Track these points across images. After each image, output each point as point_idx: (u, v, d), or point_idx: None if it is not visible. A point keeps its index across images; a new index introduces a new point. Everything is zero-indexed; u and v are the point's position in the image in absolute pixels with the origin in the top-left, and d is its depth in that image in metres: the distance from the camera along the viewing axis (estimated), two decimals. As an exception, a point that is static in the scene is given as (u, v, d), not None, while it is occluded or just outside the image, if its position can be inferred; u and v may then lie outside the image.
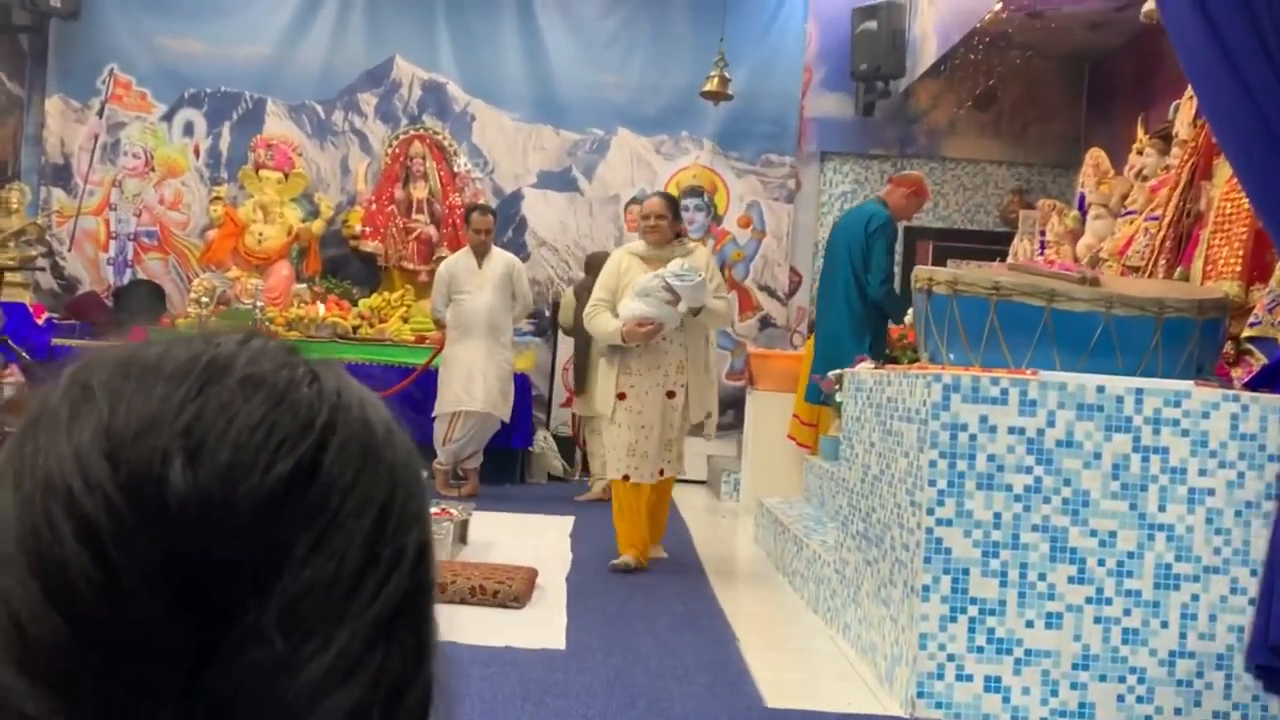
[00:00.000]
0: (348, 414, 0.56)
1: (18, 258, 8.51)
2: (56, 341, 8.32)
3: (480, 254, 7.43)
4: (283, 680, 0.51)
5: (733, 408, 9.23)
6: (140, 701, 0.50)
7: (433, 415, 7.43)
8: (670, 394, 5.35)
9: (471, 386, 7.27)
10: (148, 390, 0.53)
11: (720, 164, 9.57)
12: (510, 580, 4.51)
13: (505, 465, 8.10)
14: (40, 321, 8.31)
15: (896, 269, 8.17)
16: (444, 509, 5.46)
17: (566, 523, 6.57)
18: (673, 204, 5.58)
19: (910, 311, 5.22)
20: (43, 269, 9.07)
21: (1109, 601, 3.37)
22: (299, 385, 0.55)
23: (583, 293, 7.78)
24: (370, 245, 9.09)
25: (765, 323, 9.53)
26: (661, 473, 5.41)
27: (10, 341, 7.41)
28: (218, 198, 9.14)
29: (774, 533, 5.84)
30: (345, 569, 0.53)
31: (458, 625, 3.72)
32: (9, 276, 7.86)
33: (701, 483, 9.05)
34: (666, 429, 5.36)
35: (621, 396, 5.33)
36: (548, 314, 9.35)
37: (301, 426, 0.54)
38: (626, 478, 5.35)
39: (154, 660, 0.50)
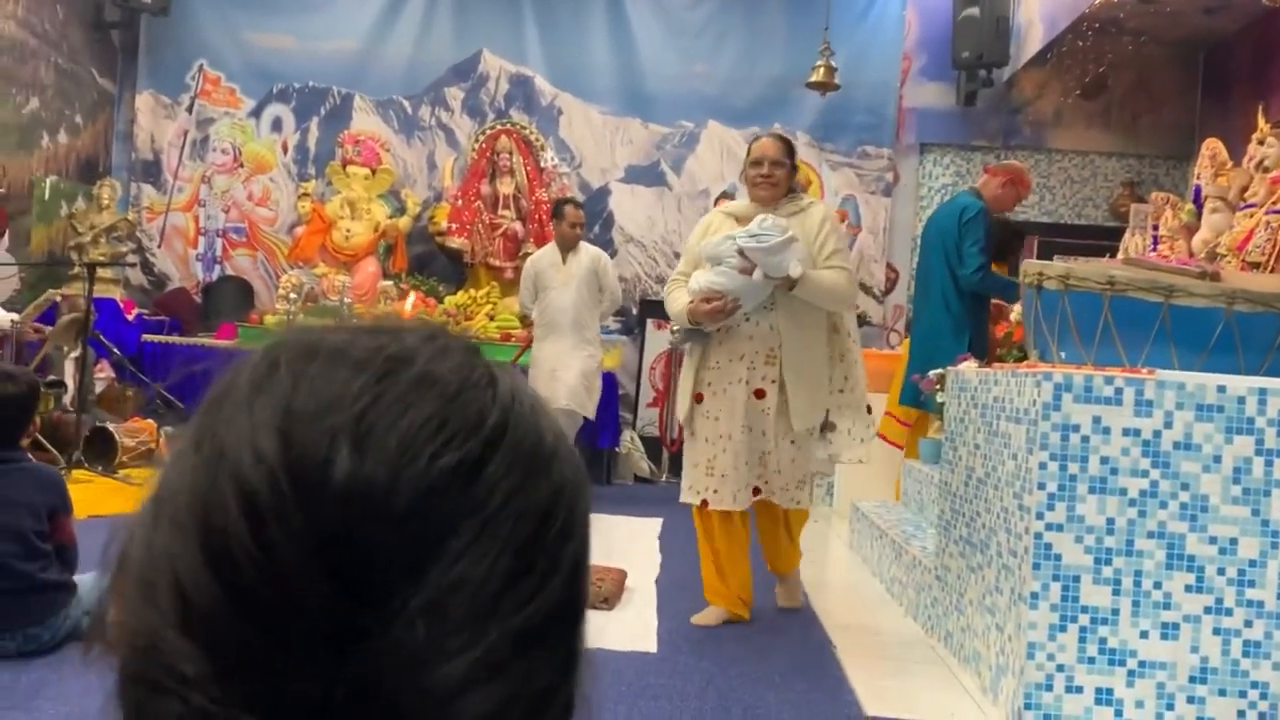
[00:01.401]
0: (520, 420, 0.58)
1: (109, 253, 8.78)
2: (146, 338, 8.57)
3: (566, 249, 7.47)
4: (426, 670, 0.52)
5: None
6: (287, 674, 0.52)
7: None
8: (759, 393, 4.29)
9: (554, 384, 7.31)
10: (329, 374, 0.55)
11: (815, 157, 9.52)
12: (600, 581, 4.55)
13: (591, 466, 8.15)
14: (130, 318, 8.57)
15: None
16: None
17: (655, 525, 6.59)
18: (790, 149, 4.54)
19: (1018, 306, 5.14)
20: (133, 265, 9.34)
21: (1229, 612, 3.29)
22: (474, 386, 0.57)
23: None
24: (456, 241, 9.21)
25: (861, 321, 9.42)
26: (757, 492, 4.39)
27: (102, 337, 7.65)
28: (305, 194, 9.34)
29: (870, 538, 5.80)
30: (499, 569, 0.54)
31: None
32: (100, 272, 8.10)
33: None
34: (757, 439, 4.33)
35: (699, 399, 4.39)
36: (635, 311, 9.40)
37: (472, 425, 0.55)
38: (705, 503, 4.39)
39: (304, 636, 0.51)
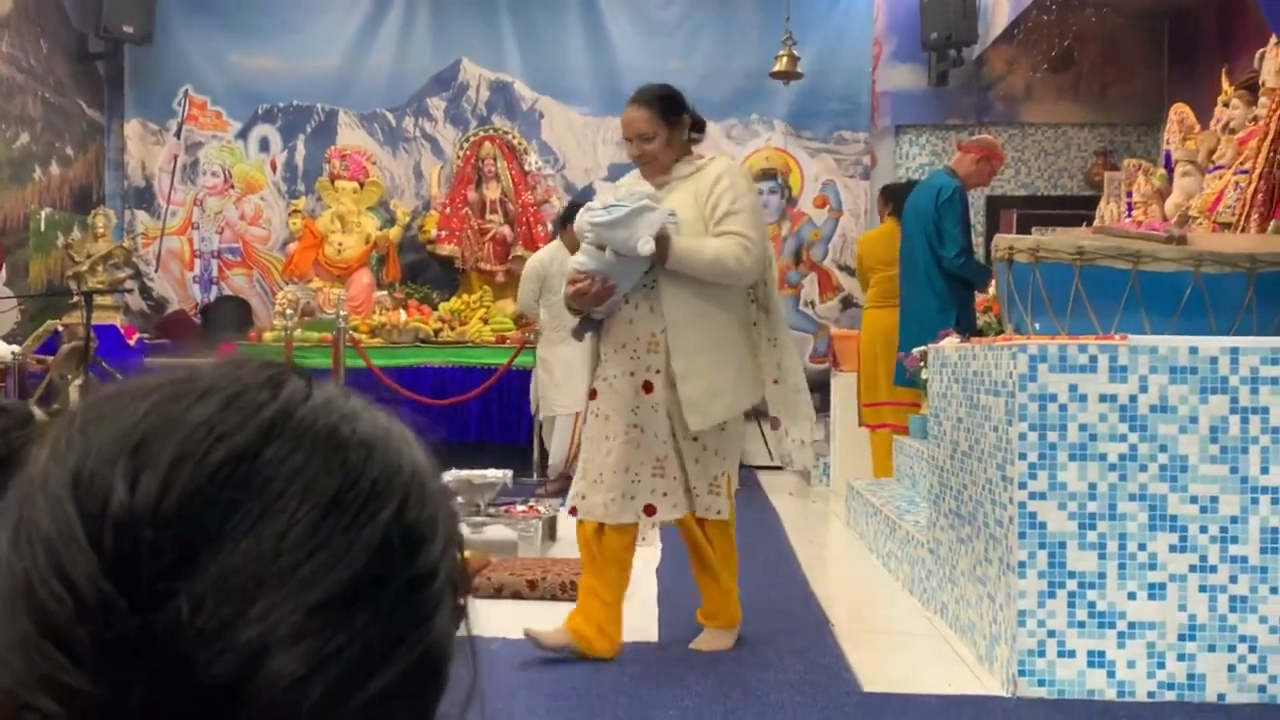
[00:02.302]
0: (305, 411, 0.58)
1: (107, 281, 8.76)
2: (149, 361, 8.55)
3: (575, 252, 7.42)
4: (221, 640, 0.52)
5: (818, 391, 9.17)
6: (100, 696, 0.52)
7: (537, 417, 7.49)
8: (647, 387, 3.56)
9: (567, 387, 7.27)
10: (116, 414, 0.57)
11: (793, 145, 9.51)
12: (600, 574, 4.52)
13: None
14: (132, 342, 8.56)
15: (979, 239, 8.08)
16: (532, 507, 5.51)
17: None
18: (664, 106, 3.64)
19: (993, 281, 5.14)
20: (131, 291, 9.32)
21: (1214, 569, 3.29)
22: (252, 390, 0.58)
23: None
24: (447, 248, 9.20)
25: (847, 303, 9.44)
26: (651, 511, 3.60)
27: (105, 364, 7.63)
28: (296, 211, 9.33)
29: (865, 515, 5.80)
30: (286, 546, 0.54)
31: (549, 621, 3.75)
32: (99, 299, 8.08)
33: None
34: (650, 442, 3.58)
35: (593, 395, 3.68)
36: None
37: (242, 420, 0.56)
38: (573, 510, 3.69)
39: (111, 660, 0.52)
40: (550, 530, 5.68)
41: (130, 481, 0.54)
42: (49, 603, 0.53)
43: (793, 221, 9.53)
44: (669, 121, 3.63)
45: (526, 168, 9.37)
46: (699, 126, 3.75)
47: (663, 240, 3.47)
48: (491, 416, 8.26)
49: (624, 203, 3.49)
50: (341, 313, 8.30)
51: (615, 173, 9.54)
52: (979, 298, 6.31)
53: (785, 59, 8.57)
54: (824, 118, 9.46)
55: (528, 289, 7.45)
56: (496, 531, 5.32)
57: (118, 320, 8.70)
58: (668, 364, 3.55)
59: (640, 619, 4.15)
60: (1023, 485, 3.34)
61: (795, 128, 9.48)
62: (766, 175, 9.50)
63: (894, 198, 7.17)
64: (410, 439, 0.62)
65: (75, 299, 8.40)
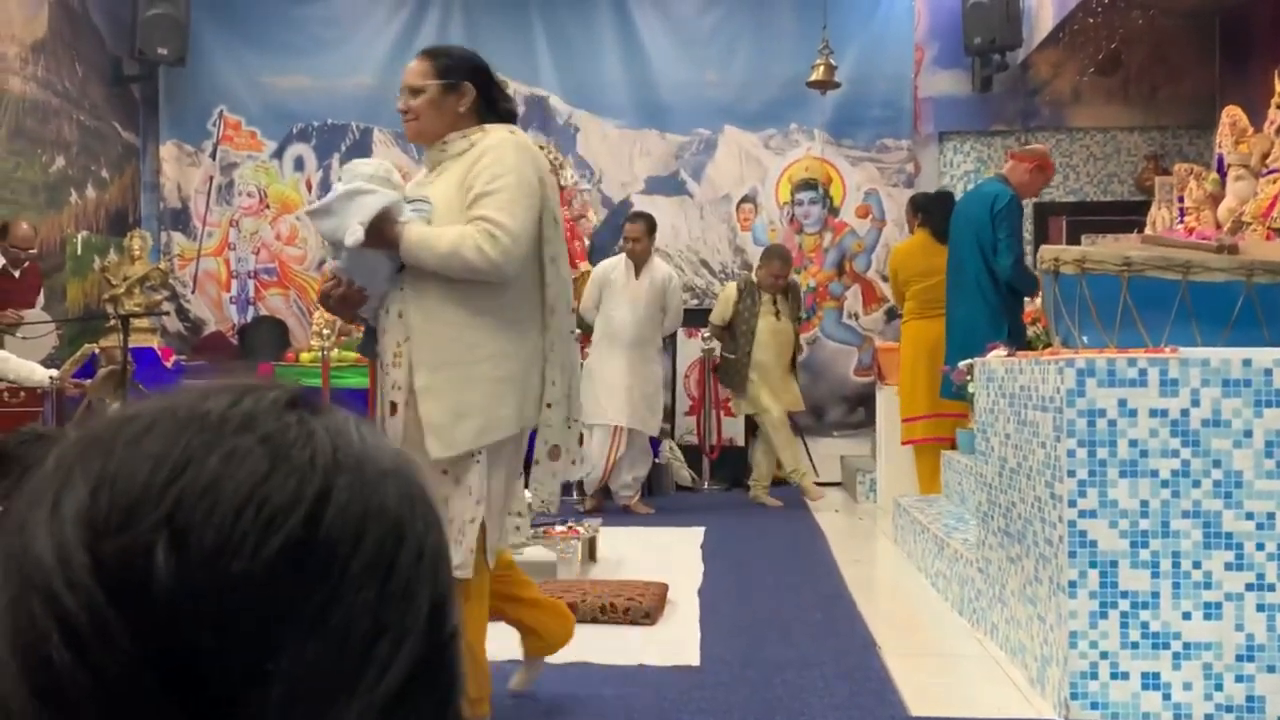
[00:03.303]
0: (345, 475, 0.54)
1: (144, 303, 8.89)
2: (187, 383, 8.66)
3: (639, 263, 7.52)
4: None
5: (863, 405, 9.16)
6: None
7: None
8: (393, 408, 3.04)
9: (609, 399, 7.30)
10: (129, 470, 0.52)
11: (833, 154, 9.49)
12: (641, 597, 4.54)
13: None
14: (169, 364, 8.68)
15: (1028, 247, 8.02)
16: (572, 527, 5.53)
17: (697, 534, 6.58)
18: (448, 63, 3.15)
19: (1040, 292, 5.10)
20: (168, 313, 9.45)
21: (1272, 588, 3.24)
22: (289, 450, 0.53)
23: (746, 286, 7.89)
24: (484, 265, 9.26)
25: (892, 314, 9.39)
26: None
27: (142, 387, 7.75)
28: (331, 230, 9.41)
29: (913, 533, 5.77)
30: (351, 642, 0.51)
31: (588, 644, 3.76)
32: (136, 322, 8.21)
33: (837, 484, 8.99)
34: None
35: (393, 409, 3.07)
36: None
37: (292, 498, 0.52)
38: None
39: None
40: (590, 551, 5.70)
41: (173, 565, 0.49)
42: (65, 683, 0.49)
43: (835, 232, 9.51)
44: (445, 83, 3.10)
45: (563, 182, 9.40)
46: (500, 113, 3.20)
47: (390, 229, 2.98)
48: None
49: (348, 176, 3.03)
50: (378, 332, 8.37)
51: (653, 185, 9.58)
52: (1027, 309, 6.26)
53: (822, 68, 8.57)
54: (865, 125, 9.44)
55: (589, 295, 7.54)
56: (535, 553, 5.35)
57: (155, 342, 8.82)
58: (410, 380, 3.01)
59: (681, 642, 4.16)
60: (1072, 503, 3.31)
61: (836, 136, 9.47)
62: (808, 185, 9.49)
63: (922, 208, 7.23)
64: (416, 471, 0.58)
65: (112, 322, 8.53)
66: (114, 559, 0.50)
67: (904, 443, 7.01)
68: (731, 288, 8.07)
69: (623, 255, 7.64)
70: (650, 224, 7.76)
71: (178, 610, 0.49)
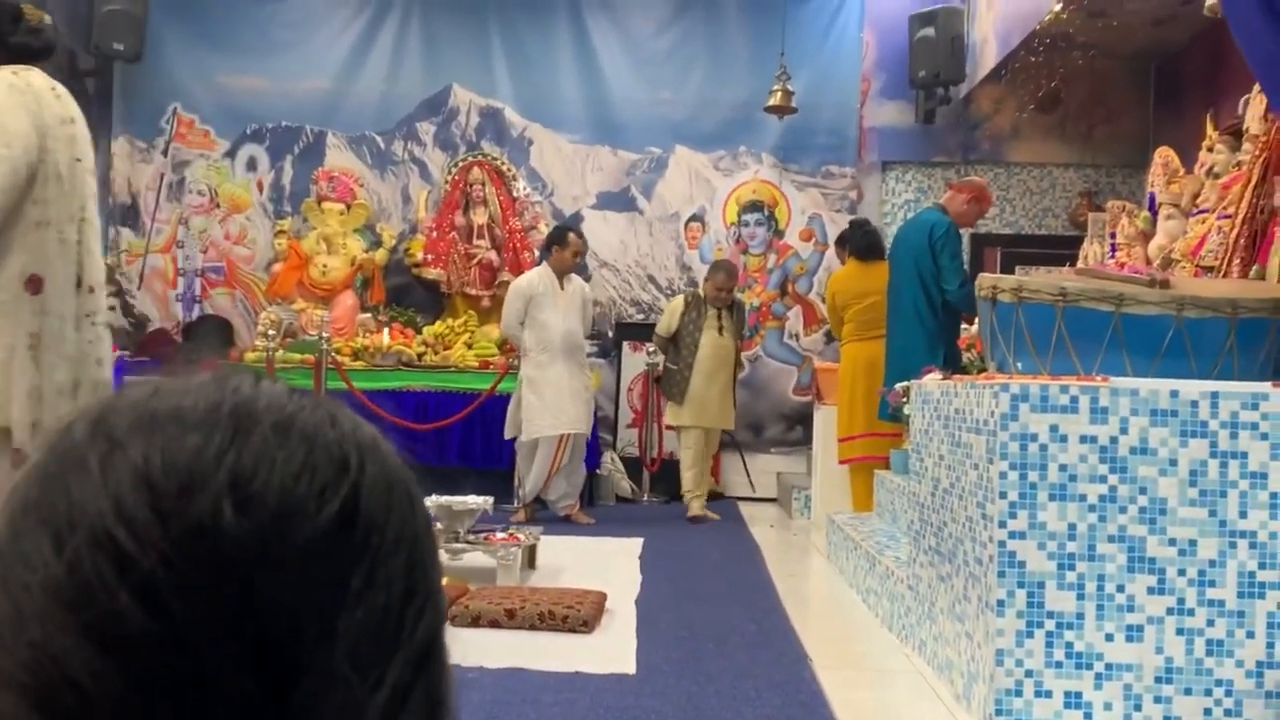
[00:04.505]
0: (371, 452, 0.57)
1: (89, 297, 8.73)
2: (129, 379, 8.51)
3: (563, 275, 7.54)
4: (356, 718, 0.52)
5: (801, 423, 9.22)
6: None
7: (514, 440, 7.49)
8: None
9: (559, 410, 7.33)
10: (179, 443, 0.53)
11: (780, 178, 9.57)
12: (579, 605, 4.53)
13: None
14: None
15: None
16: (512, 534, 5.50)
17: (635, 545, 6.58)
18: None
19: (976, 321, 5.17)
20: (113, 308, 9.29)
21: (1191, 612, 3.30)
22: (324, 427, 0.57)
23: (693, 300, 7.91)
24: (433, 273, 9.21)
25: (831, 336, 9.47)
26: None
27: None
28: (281, 231, 9.32)
29: (846, 549, 5.80)
30: (393, 601, 0.54)
31: (526, 651, 3.74)
32: (81, 316, 8.06)
33: (772, 500, 9.03)
34: None
35: None
36: (611, 334, 9.42)
37: (338, 469, 0.55)
38: None
39: (225, 708, 0.50)
40: (530, 558, 5.67)
41: (241, 519, 0.51)
42: (138, 637, 0.50)
43: (779, 254, 9.58)
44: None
45: (515, 194, 9.40)
46: (11, 49, 2.88)
47: None
48: (474, 441, 8.25)
49: None
50: (324, 334, 8.30)
51: (604, 201, 9.59)
52: (962, 335, 6.35)
53: (780, 93, 8.63)
54: (812, 151, 9.53)
55: (512, 309, 7.51)
56: (475, 558, 5.31)
57: (99, 337, 8.67)
58: None
59: (618, 652, 4.15)
60: (1002, 524, 3.35)
61: (783, 160, 9.55)
62: (754, 207, 9.56)
63: (847, 241, 7.57)
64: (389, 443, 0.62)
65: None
66: (180, 520, 0.51)
67: (841, 461, 7.07)
68: (679, 300, 8.10)
69: (543, 268, 7.62)
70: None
71: (251, 568, 0.51)
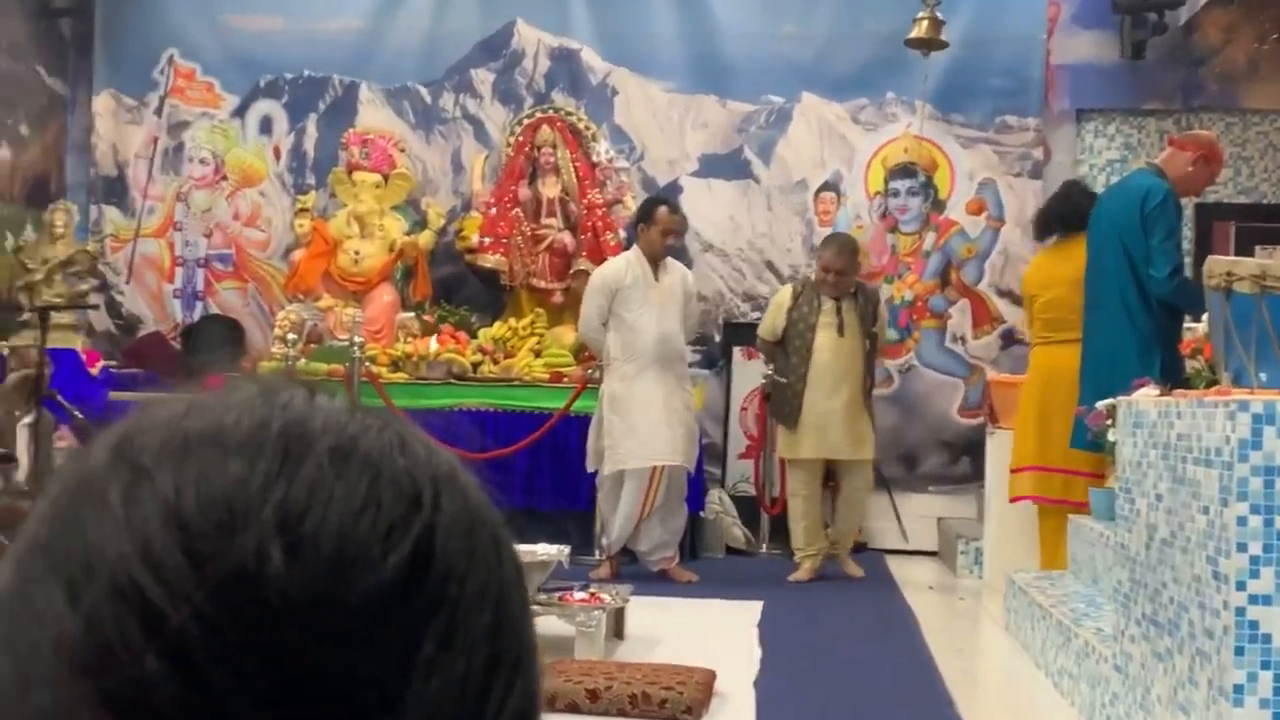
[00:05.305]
0: (448, 484, 0.58)
1: (66, 294, 8.98)
2: (115, 396, 8.73)
3: (656, 262, 7.52)
4: None
5: (968, 453, 9.11)
6: None
7: (595, 474, 7.51)
8: None
9: (654, 436, 7.28)
10: (218, 470, 0.55)
11: (940, 133, 9.49)
12: (680, 686, 4.54)
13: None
14: (94, 372, 8.75)
15: (1187, 259, 7.97)
16: (594, 594, 5.52)
17: (753, 610, 6.57)
18: None
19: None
20: (95, 306, 9.52)
21: None
22: (391, 454, 0.58)
23: (804, 290, 7.74)
24: (491, 260, 9.28)
25: (1009, 339, 9.36)
26: None
27: (60, 397, 7.81)
28: (303, 209, 9.48)
29: (1031, 618, 5.75)
30: (474, 670, 0.55)
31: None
32: (56, 317, 8.28)
33: (931, 554, 8.94)
34: None
35: None
36: (717, 338, 9.40)
37: (409, 506, 0.56)
38: None
39: None
40: (617, 625, 5.68)
41: (290, 569, 0.52)
42: (165, 708, 0.51)
43: (939, 232, 9.49)
44: None
45: (594, 158, 9.44)
46: None
47: None
48: (543, 475, 8.31)
49: None
50: (357, 339, 8.43)
51: (709, 166, 9.60)
52: (1186, 337, 6.22)
53: (926, 23, 8.51)
54: (983, 98, 9.43)
55: (592, 305, 7.52)
56: (548, 623, 5.33)
57: (78, 343, 8.90)
58: None
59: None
60: (1241, 585, 3.29)
61: (944, 111, 9.46)
62: (906, 172, 9.49)
63: (1056, 218, 7.18)
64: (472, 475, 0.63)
65: (26, 316, 8.62)
66: (219, 566, 0.52)
67: (1012, 499, 6.98)
68: (785, 292, 7.90)
69: (632, 253, 7.61)
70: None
71: (302, 625, 0.52)
